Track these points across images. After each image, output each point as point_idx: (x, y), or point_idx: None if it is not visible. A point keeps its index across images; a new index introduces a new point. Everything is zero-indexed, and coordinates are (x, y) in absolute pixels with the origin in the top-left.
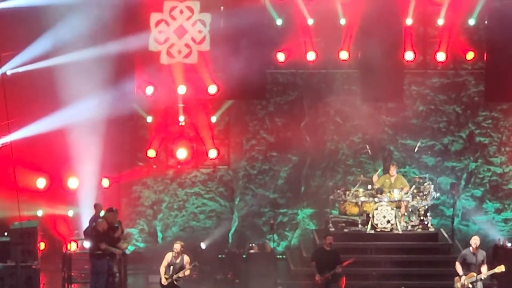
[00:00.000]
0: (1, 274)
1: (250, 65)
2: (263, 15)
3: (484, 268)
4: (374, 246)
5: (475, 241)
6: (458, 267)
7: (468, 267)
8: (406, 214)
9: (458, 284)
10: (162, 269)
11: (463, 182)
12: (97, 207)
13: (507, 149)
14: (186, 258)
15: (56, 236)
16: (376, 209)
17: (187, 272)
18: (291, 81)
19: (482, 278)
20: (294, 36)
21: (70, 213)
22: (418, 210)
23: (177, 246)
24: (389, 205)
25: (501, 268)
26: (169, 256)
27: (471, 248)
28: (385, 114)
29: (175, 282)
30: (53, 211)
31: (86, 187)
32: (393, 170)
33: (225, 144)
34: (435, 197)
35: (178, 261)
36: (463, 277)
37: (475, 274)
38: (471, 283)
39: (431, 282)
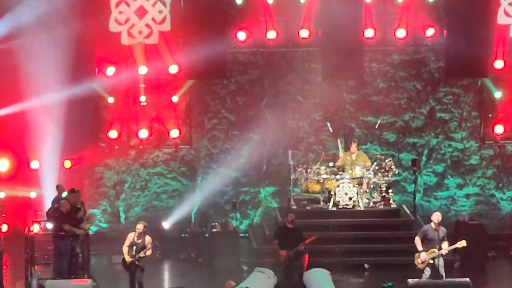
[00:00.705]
0: None
1: (210, 45)
2: None
3: (445, 244)
4: (336, 223)
5: (437, 217)
6: (418, 243)
7: (428, 243)
8: (367, 190)
9: (418, 260)
10: (125, 249)
11: (424, 158)
12: (59, 188)
13: (468, 125)
14: (147, 239)
15: (18, 218)
16: (338, 186)
17: (148, 252)
18: (252, 60)
19: (444, 253)
20: (255, 15)
21: (33, 194)
22: (380, 187)
23: (140, 226)
24: (350, 182)
25: (462, 244)
26: (131, 236)
27: (432, 224)
28: (346, 91)
29: (137, 262)
30: (15, 192)
31: (48, 168)
32: (354, 147)
33: (186, 123)
34: (397, 173)
35: (140, 241)
36: (423, 253)
37: (436, 250)
38: (432, 258)
39: (393, 258)
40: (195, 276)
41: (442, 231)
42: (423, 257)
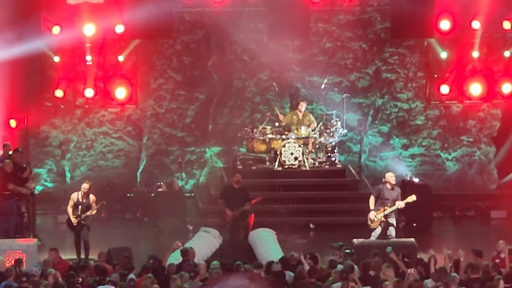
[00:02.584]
0: None
1: (157, 4)
2: None
3: (398, 203)
4: (282, 183)
5: (391, 177)
6: (371, 202)
7: (382, 202)
8: (313, 150)
9: (371, 219)
10: (70, 210)
11: (370, 118)
12: (6, 147)
13: (414, 85)
14: (92, 197)
15: None
16: (284, 146)
17: (94, 211)
18: (198, 20)
19: (396, 208)
20: None
21: None
22: (326, 147)
23: (86, 186)
24: (296, 142)
25: (412, 198)
26: (75, 196)
27: (388, 184)
28: (292, 51)
29: (83, 222)
30: None
31: None
32: (302, 106)
33: (132, 83)
34: (342, 133)
35: (85, 200)
36: (372, 212)
37: (388, 208)
38: (385, 216)
39: (339, 218)
40: (140, 236)
41: (397, 191)
42: (372, 215)
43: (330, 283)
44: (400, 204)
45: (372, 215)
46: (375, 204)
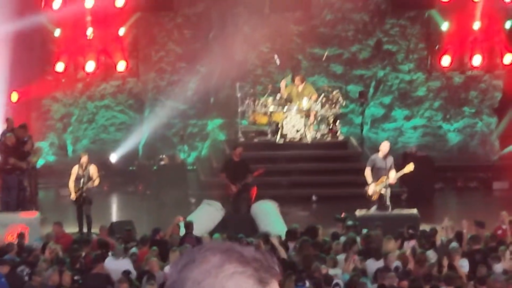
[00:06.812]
0: None
1: None
2: None
3: (392, 173)
4: (284, 156)
5: (385, 146)
6: (368, 173)
7: (377, 172)
8: (315, 123)
9: (370, 191)
10: (71, 184)
11: (371, 90)
12: (8, 121)
13: (415, 56)
14: (92, 168)
15: None
16: (285, 118)
17: (97, 181)
18: None
19: (392, 181)
20: None
21: None
22: (327, 119)
23: (85, 158)
24: (298, 114)
25: (409, 168)
26: (75, 170)
27: (380, 153)
28: (293, 23)
29: (84, 194)
30: None
31: None
32: (298, 80)
33: (133, 56)
34: (344, 105)
35: (85, 172)
36: (372, 185)
37: (385, 179)
38: (383, 188)
39: (341, 190)
40: (143, 209)
41: (390, 160)
42: (372, 189)
43: (334, 255)
44: (398, 175)
45: (372, 188)
46: (371, 175)
